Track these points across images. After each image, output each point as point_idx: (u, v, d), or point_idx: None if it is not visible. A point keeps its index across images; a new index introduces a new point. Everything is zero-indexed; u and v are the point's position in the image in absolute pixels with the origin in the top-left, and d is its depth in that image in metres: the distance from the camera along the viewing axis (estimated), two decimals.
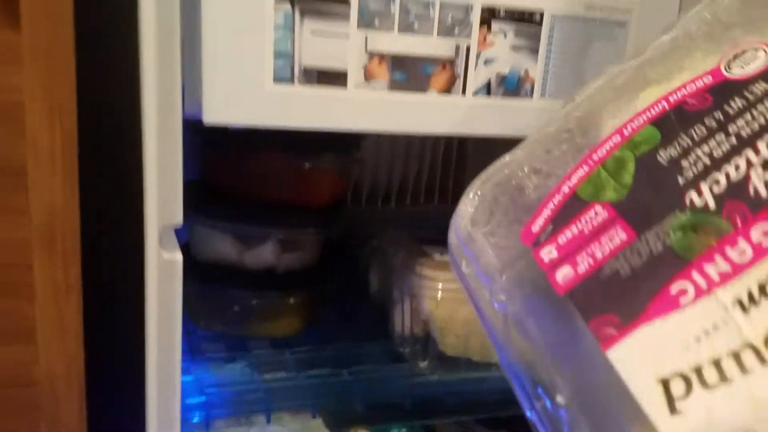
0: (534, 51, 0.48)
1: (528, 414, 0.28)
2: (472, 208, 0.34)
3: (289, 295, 0.65)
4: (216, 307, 0.64)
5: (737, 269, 0.24)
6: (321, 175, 0.65)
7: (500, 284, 0.30)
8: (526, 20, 0.47)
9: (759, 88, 0.27)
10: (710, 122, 0.28)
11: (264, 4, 0.40)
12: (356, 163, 0.72)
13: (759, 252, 0.23)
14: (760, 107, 0.27)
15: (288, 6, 0.41)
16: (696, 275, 0.24)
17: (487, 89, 0.47)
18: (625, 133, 0.30)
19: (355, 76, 0.44)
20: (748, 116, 0.27)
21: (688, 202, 0.26)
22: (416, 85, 0.45)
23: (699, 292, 0.24)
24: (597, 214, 0.28)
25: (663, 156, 0.29)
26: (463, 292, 0.58)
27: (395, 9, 0.43)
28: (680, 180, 0.27)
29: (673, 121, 0.29)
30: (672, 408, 0.21)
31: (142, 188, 0.37)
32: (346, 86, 0.44)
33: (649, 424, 0.22)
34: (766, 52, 0.28)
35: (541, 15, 0.47)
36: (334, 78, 0.43)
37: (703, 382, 0.21)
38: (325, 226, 0.66)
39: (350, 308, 0.71)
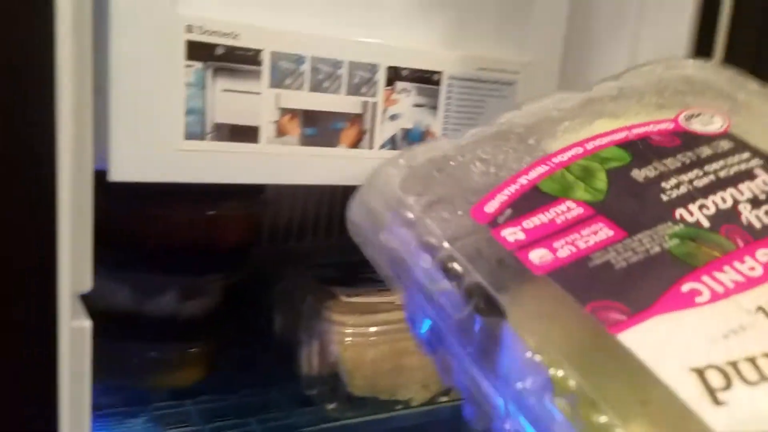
0: (434, 108, 0.51)
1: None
2: (399, 175, 0.32)
3: (192, 345, 0.63)
4: (114, 360, 0.61)
5: (752, 282, 0.23)
6: (224, 221, 0.65)
7: (449, 253, 0.27)
8: (426, 80, 0.50)
9: (725, 144, 0.29)
10: (684, 158, 0.28)
11: (176, 62, 0.40)
12: (260, 206, 0.72)
13: None
14: (733, 159, 0.28)
15: (200, 65, 0.41)
16: (708, 280, 0.24)
17: (393, 143, 0.50)
18: (588, 147, 0.30)
19: (266, 131, 0.45)
20: (722, 162, 0.28)
21: (678, 216, 0.27)
22: (326, 140, 0.47)
23: (716, 296, 0.23)
24: (570, 209, 0.28)
25: (638, 174, 0.28)
26: (370, 335, 0.60)
27: (305, 69, 0.45)
28: (663, 197, 0.27)
29: (642, 148, 0.29)
30: (714, 399, 0.20)
31: (50, 253, 0.35)
32: (258, 141, 0.45)
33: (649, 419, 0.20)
34: (720, 118, 0.30)
35: (439, 76, 0.50)
36: (247, 134, 0.44)
37: (743, 378, 0.21)
38: (229, 271, 0.65)
39: (255, 353, 0.70)
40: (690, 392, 0.20)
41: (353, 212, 0.33)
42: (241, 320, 0.69)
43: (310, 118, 0.46)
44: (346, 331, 0.59)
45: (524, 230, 0.27)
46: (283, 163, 0.46)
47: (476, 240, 0.27)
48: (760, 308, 0.22)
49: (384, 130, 0.49)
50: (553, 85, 0.58)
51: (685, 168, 0.28)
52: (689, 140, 0.29)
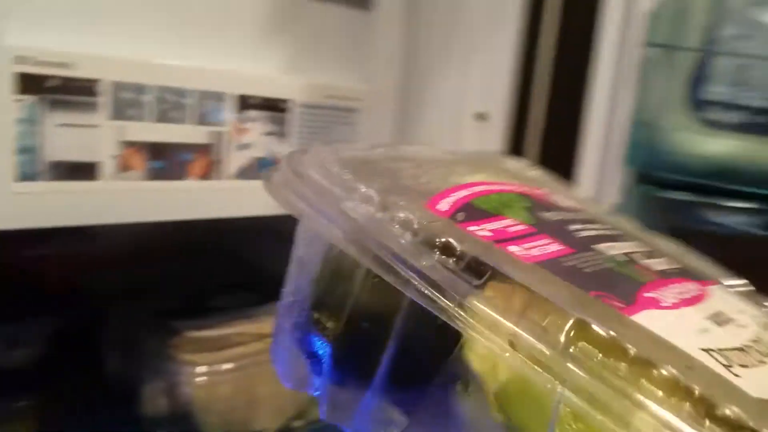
0: (283, 135, 0.51)
1: None
2: (336, 162, 0.28)
3: (19, 398, 0.57)
4: None
5: (693, 300, 0.24)
6: (48, 260, 0.59)
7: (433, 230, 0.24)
8: (275, 108, 0.49)
9: (585, 215, 0.30)
10: (570, 214, 0.28)
11: (3, 97, 0.36)
12: (89, 240, 0.66)
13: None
14: (600, 225, 0.28)
15: (32, 98, 0.37)
16: (660, 292, 0.24)
17: (245, 173, 0.48)
18: (492, 188, 0.29)
19: (108, 167, 0.41)
20: (599, 224, 0.28)
21: (598, 249, 0.26)
22: (175, 173, 0.45)
23: (675, 305, 0.24)
24: (514, 224, 0.26)
25: (547, 216, 0.28)
26: (223, 372, 0.58)
27: (150, 99, 0.42)
28: (577, 235, 0.27)
29: (534, 199, 0.29)
30: (732, 372, 0.20)
31: None
32: (99, 179, 0.41)
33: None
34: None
35: (288, 104, 0.50)
36: (86, 171, 0.41)
37: (741, 361, 0.21)
38: (58, 313, 0.59)
39: (91, 398, 0.64)
40: (712, 365, 0.20)
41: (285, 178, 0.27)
42: (75, 365, 0.63)
43: (156, 151, 0.43)
44: (197, 371, 0.56)
45: (488, 230, 0.25)
46: (127, 201, 0.43)
47: (448, 226, 0.24)
48: (711, 317, 0.23)
49: (234, 160, 0.48)
50: (392, 112, 0.60)
51: (577, 219, 0.28)
52: (559, 206, 0.30)
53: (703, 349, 0.21)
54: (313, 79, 0.52)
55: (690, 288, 0.26)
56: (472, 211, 0.26)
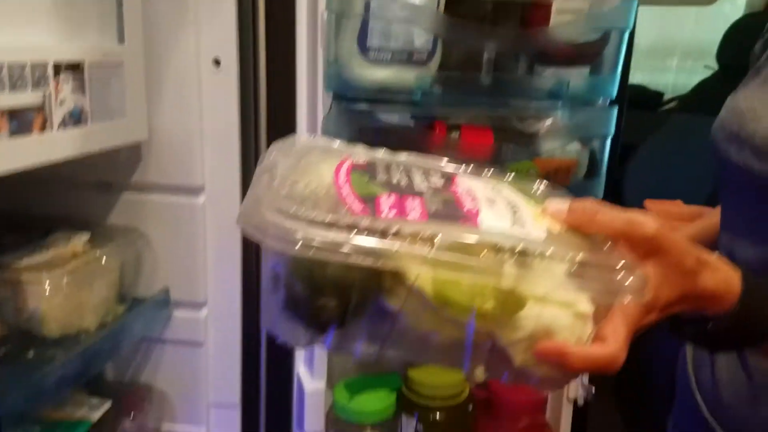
0: (83, 91, 0.68)
1: None
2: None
3: None
4: None
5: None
6: None
7: None
8: (77, 70, 0.66)
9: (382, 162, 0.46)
10: (382, 169, 0.45)
11: None
12: None
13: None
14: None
15: None
16: (465, 201, 0.43)
17: (65, 123, 0.65)
18: (343, 174, 0.42)
19: None
20: (395, 166, 0.46)
21: (420, 188, 0.43)
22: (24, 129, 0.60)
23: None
24: (385, 198, 0.40)
25: (380, 180, 0.42)
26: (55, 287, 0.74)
27: None
28: (404, 184, 0.43)
29: (363, 169, 0.44)
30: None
31: None
32: None
33: None
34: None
35: (83, 65, 0.67)
36: None
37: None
38: None
39: None
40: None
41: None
42: None
43: (12, 115, 0.59)
44: (37, 288, 0.71)
45: (390, 209, 0.39)
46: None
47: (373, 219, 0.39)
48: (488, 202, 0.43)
49: (58, 114, 0.64)
50: (144, 64, 0.79)
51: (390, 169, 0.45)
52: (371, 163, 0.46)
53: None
54: (90, 43, 0.69)
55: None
56: (367, 202, 0.39)
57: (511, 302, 0.39)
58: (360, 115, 0.81)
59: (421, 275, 0.38)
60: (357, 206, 0.39)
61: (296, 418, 0.91)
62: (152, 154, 0.84)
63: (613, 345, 0.41)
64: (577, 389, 0.94)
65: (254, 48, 0.84)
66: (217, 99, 0.83)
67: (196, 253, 0.87)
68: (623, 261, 0.41)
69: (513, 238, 0.39)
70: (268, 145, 0.84)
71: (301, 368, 0.90)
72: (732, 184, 0.67)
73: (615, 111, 0.83)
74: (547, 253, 0.39)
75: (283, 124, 0.83)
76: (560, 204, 0.45)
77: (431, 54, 0.80)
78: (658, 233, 0.44)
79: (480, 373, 0.43)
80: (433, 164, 0.49)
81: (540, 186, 0.50)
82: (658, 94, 2.22)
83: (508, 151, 0.86)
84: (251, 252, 0.88)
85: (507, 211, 0.43)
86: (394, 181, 0.44)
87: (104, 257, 0.81)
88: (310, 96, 0.82)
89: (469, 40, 0.81)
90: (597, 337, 0.41)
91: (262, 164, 0.45)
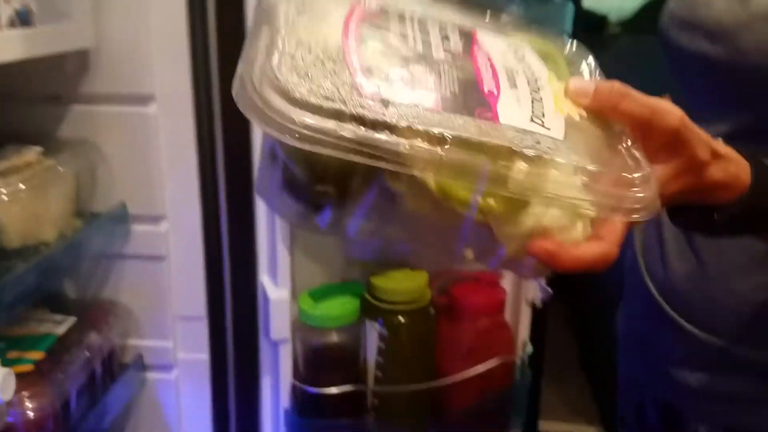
0: None
1: None
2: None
3: None
4: None
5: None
6: None
7: None
8: None
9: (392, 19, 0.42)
10: (396, 23, 0.41)
11: None
12: None
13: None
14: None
15: None
16: (485, 78, 0.40)
17: (13, 23, 0.63)
18: (353, 30, 0.39)
19: None
20: (411, 19, 0.42)
21: (437, 56, 0.40)
22: None
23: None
24: (395, 70, 0.38)
25: (393, 40, 0.39)
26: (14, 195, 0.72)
27: None
28: (418, 48, 0.40)
29: (376, 22, 0.41)
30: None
31: None
32: None
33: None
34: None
35: None
36: None
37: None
38: None
39: None
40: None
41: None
42: None
43: None
44: None
45: (402, 92, 0.36)
46: None
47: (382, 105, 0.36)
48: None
49: (5, 13, 0.62)
50: None
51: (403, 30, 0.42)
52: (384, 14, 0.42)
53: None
54: None
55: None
56: (375, 75, 0.36)
57: (515, 201, 0.37)
58: None
59: (426, 169, 0.36)
60: (366, 85, 0.35)
61: (263, 327, 0.93)
62: (100, 64, 0.81)
63: (608, 243, 0.39)
64: (535, 291, 0.97)
65: None
66: (165, 4, 0.80)
67: (150, 165, 0.86)
68: (639, 175, 0.39)
69: (529, 141, 0.37)
70: (219, 49, 0.83)
71: (264, 278, 0.91)
72: (686, 73, 0.69)
73: (571, 7, 0.83)
74: (561, 161, 0.37)
75: (231, 27, 0.81)
76: (584, 84, 0.43)
77: None
78: (682, 125, 0.42)
79: (469, 255, 0.42)
80: (449, 16, 0.45)
81: (570, 47, 0.48)
82: (603, 18, 2.22)
83: None
84: (208, 162, 0.87)
85: (527, 94, 0.40)
86: (407, 39, 0.40)
87: (58, 166, 0.79)
88: None
89: None
90: (593, 236, 0.40)
91: (259, 6, 0.40)
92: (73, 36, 0.75)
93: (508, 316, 0.98)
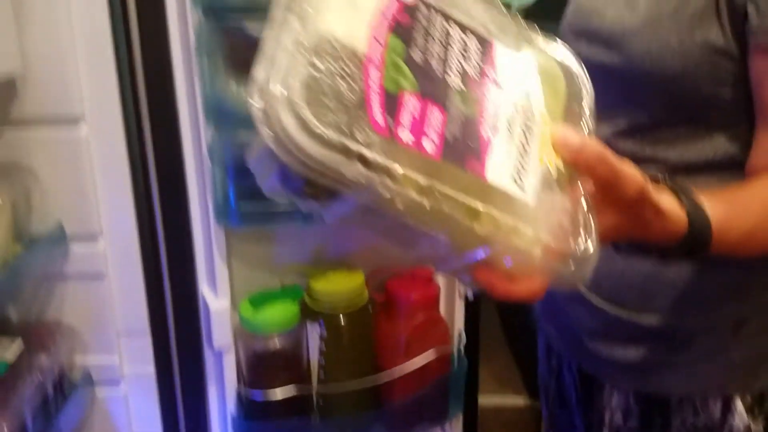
0: None
1: None
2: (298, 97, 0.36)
3: None
4: None
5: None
6: None
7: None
8: None
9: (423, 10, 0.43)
10: (422, 35, 0.42)
11: None
12: None
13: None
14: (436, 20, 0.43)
15: None
16: (486, 119, 0.44)
17: None
18: (380, 41, 0.40)
19: None
20: (437, 24, 0.43)
21: (451, 84, 0.42)
22: None
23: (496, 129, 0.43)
24: (410, 101, 0.39)
25: (416, 57, 0.40)
26: None
27: None
28: (437, 71, 0.42)
29: (403, 31, 0.41)
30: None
31: None
32: None
33: None
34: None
35: None
36: None
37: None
38: None
39: None
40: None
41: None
42: None
43: None
44: None
45: (410, 131, 0.39)
46: None
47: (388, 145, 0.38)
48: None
49: None
50: None
51: (427, 41, 0.43)
52: (411, 11, 0.43)
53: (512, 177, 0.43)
54: None
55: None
56: (391, 104, 0.38)
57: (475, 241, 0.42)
58: (231, 31, 0.83)
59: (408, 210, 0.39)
60: (379, 118, 0.38)
61: (205, 337, 0.95)
62: (27, 87, 0.83)
63: (537, 285, 0.45)
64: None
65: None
66: (88, 25, 0.82)
67: (84, 184, 0.88)
68: (582, 249, 0.44)
69: (505, 213, 0.42)
70: (144, 66, 0.86)
71: (204, 288, 0.93)
72: None
73: None
74: (522, 231, 0.42)
75: (155, 45, 0.84)
76: (570, 139, 0.47)
77: None
78: (640, 196, 0.48)
79: (424, 261, 0.47)
80: (470, 23, 0.47)
81: (577, 67, 0.52)
82: (506, 5, 2.29)
83: None
84: (140, 177, 0.89)
85: (518, 143, 0.45)
86: (429, 57, 0.42)
87: None
88: (180, 14, 0.82)
89: None
90: (526, 278, 0.44)
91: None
92: None
93: (442, 309, 1.03)
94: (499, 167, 0.43)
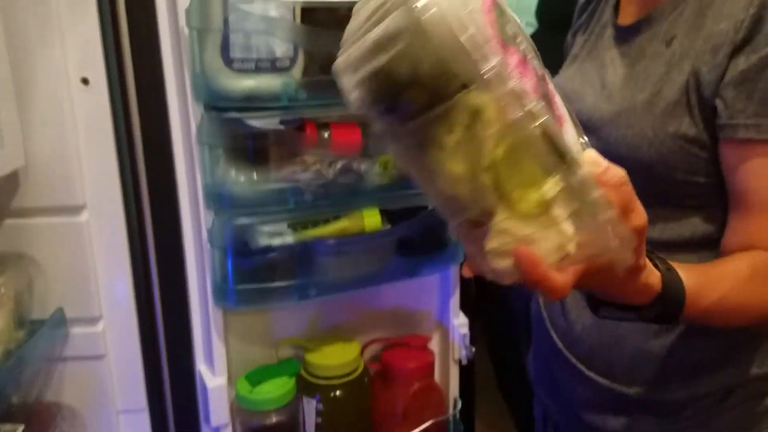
0: None
1: None
2: None
3: None
4: None
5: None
6: None
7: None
8: None
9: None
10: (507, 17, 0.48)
11: None
12: None
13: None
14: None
15: None
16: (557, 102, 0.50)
17: None
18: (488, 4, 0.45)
19: None
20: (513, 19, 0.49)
21: (534, 65, 0.48)
22: None
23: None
24: (515, 53, 0.45)
25: (508, 30, 0.46)
26: None
27: None
28: (521, 47, 0.47)
29: (498, 8, 0.47)
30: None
31: None
32: None
33: None
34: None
35: None
36: None
37: None
38: None
39: None
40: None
41: None
42: None
43: None
44: None
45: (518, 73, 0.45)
46: None
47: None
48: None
49: None
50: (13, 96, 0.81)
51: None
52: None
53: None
54: None
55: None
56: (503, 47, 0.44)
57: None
58: (231, 123, 0.87)
59: (494, 134, 0.44)
60: (498, 49, 0.44)
61: (203, 414, 0.96)
62: (30, 179, 0.85)
63: (568, 278, 0.48)
64: (460, 350, 1.04)
65: (120, 65, 0.87)
66: (90, 118, 0.86)
67: (86, 270, 0.90)
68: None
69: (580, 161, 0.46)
70: (145, 158, 0.89)
71: (201, 366, 0.95)
72: None
73: None
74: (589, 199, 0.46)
75: (157, 137, 0.87)
76: (597, 156, 0.50)
77: (293, 60, 0.86)
78: (641, 238, 0.51)
79: (455, 234, 0.50)
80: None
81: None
82: None
83: (376, 144, 0.93)
84: (140, 261, 0.92)
85: (575, 133, 0.50)
86: (518, 40, 0.48)
87: (2, 288, 0.82)
88: (181, 107, 0.87)
89: (327, 47, 0.88)
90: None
91: None
92: (4, 161, 0.79)
93: (437, 376, 1.05)
94: (569, 137, 0.47)
